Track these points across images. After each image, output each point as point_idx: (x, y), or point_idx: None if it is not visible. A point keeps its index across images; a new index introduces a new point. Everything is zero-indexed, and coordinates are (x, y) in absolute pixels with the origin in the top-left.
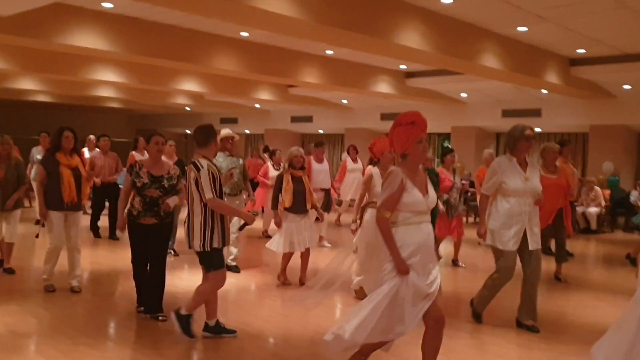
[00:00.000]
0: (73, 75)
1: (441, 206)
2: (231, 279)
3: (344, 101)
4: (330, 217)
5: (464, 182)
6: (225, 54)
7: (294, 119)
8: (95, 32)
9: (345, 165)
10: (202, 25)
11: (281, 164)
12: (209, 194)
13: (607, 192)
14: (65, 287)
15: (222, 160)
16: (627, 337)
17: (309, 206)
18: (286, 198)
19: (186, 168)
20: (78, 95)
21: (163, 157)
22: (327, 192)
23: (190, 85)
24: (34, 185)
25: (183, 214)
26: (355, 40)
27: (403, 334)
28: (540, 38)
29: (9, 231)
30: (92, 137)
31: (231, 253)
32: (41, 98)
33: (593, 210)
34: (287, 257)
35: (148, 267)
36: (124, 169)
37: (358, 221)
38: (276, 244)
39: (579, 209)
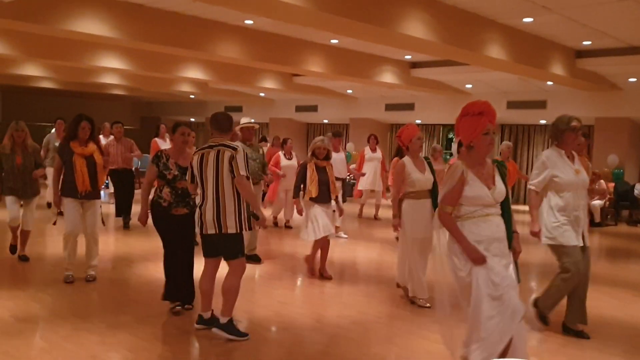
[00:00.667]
0: (77, 62)
1: None
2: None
3: (349, 91)
4: (347, 207)
5: None
6: (229, 41)
7: (299, 108)
8: (99, 19)
9: (363, 154)
10: (206, 12)
11: (292, 152)
12: (243, 171)
13: (612, 185)
14: (82, 277)
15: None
16: None
17: (333, 196)
18: (312, 188)
19: (210, 151)
20: (83, 82)
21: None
22: (343, 181)
23: (195, 72)
24: (48, 172)
25: None
26: (360, 29)
27: (520, 319)
28: (546, 29)
29: (26, 218)
30: (107, 124)
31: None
32: (46, 84)
33: (597, 203)
34: (319, 243)
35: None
36: (143, 155)
37: (398, 217)
38: (311, 232)
39: None
